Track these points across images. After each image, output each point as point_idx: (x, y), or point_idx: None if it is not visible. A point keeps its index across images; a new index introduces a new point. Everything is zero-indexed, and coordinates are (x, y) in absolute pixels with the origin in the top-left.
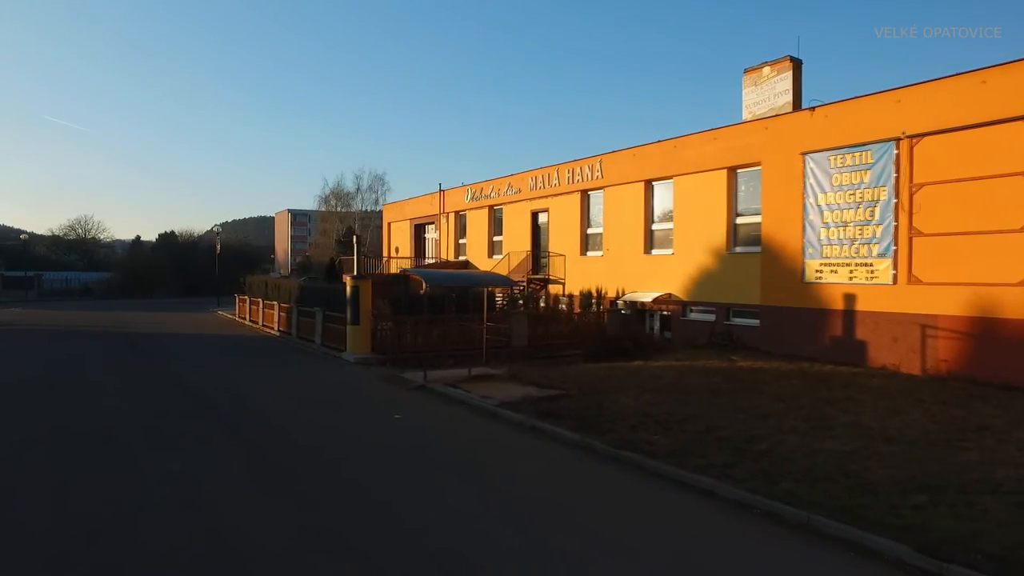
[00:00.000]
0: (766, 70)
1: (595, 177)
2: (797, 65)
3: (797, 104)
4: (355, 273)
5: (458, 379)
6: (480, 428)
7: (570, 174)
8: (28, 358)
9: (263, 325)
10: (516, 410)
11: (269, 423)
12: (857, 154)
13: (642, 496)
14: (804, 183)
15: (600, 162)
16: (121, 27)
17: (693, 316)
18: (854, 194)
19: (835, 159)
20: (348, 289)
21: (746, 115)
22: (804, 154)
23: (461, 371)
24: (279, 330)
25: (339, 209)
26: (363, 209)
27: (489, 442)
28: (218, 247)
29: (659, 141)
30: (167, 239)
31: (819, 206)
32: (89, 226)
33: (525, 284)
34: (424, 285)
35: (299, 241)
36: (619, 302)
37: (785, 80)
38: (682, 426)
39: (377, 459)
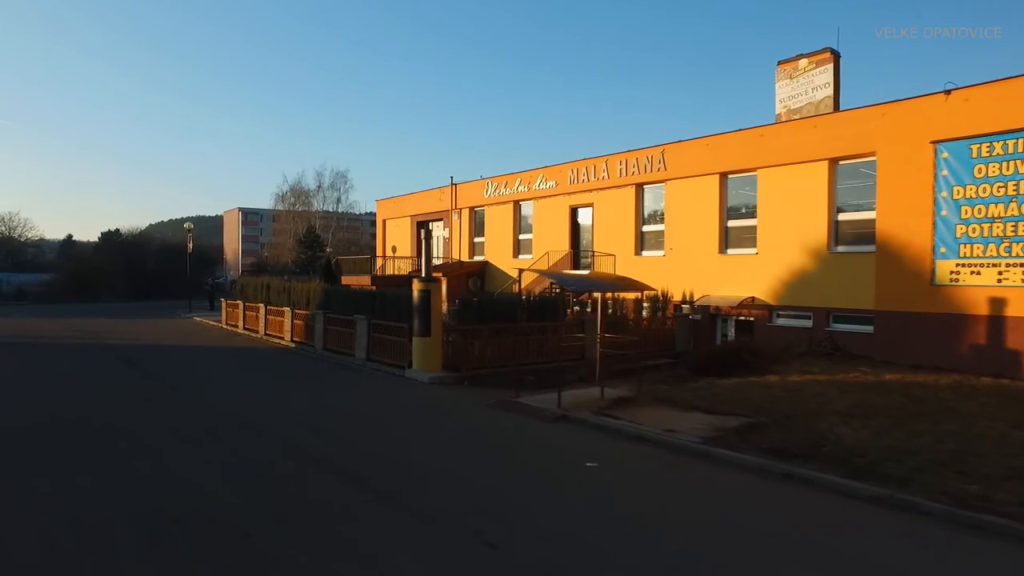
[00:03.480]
0: (803, 62)
1: (656, 169)
2: (837, 58)
3: (837, 99)
4: (423, 275)
5: (597, 405)
6: (714, 480)
7: (622, 166)
8: (11, 387)
9: (267, 334)
10: (731, 448)
11: (445, 492)
12: (1010, 142)
13: None
14: (935, 175)
15: (663, 152)
16: (44, 6)
17: (781, 322)
18: (1005, 187)
19: (979, 148)
20: (415, 294)
21: (779, 109)
22: (935, 143)
23: (586, 391)
24: (293, 340)
25: (298, 208)
26: (323, 209)
27: (762, 501)
28: (190, 246)
29: (739, 130)
30: (111, 238)
31: (955, 200)
32: (15, 223)
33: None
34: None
35: (251, 241)
36: (684, 307)
37: (825, 73)
38: (971, 467)
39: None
